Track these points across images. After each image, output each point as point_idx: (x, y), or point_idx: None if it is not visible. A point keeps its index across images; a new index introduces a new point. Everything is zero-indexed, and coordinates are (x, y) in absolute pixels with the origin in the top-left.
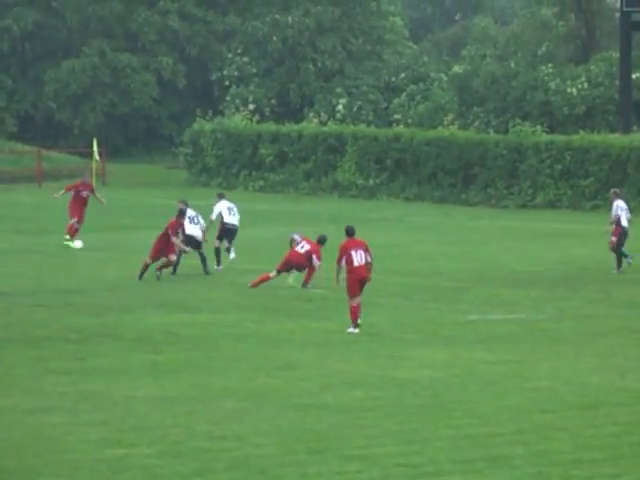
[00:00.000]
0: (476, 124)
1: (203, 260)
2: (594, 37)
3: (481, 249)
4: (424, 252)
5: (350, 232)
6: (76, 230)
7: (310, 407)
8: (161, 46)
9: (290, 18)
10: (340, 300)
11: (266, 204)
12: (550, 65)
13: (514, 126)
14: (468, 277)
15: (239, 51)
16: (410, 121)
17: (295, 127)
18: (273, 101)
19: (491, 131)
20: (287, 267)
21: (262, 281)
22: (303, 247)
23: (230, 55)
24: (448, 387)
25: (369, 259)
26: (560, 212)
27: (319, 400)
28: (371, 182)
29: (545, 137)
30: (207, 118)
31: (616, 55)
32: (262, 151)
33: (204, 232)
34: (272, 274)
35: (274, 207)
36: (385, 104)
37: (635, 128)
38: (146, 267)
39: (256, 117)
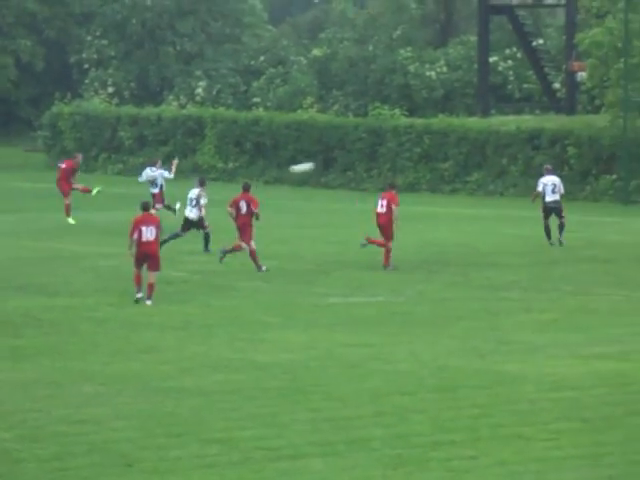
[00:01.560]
0: (335, 107)
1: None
2: (452, 21)
3: (341, 232)
4: (284, 235)
5: (145, 207)
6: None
7: (170, 391)
8: (19, 28)
9: (149, 0)
10: (202, 284)
11: (125, 187)
12: (409, 48)
13: (373, 109)
14: (328, 260)
15: (98, 34)
16: (269, 104)
17: (154, 110)
18: (132, 84)
19: (350, 114)
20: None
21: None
22: (382, 205)
23: (89, 38)
24: (307, 370)
25: (158, 236)
26: (419, 195)
27: (179, 384)
28: (230, 165)
29: (404, 120)
30: (66, 101)
31: (474, 39)
32: (121, 134)
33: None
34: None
35: (133, 191)
36: (244, 87)
37: (493, 111)
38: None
39: (115, 100)
